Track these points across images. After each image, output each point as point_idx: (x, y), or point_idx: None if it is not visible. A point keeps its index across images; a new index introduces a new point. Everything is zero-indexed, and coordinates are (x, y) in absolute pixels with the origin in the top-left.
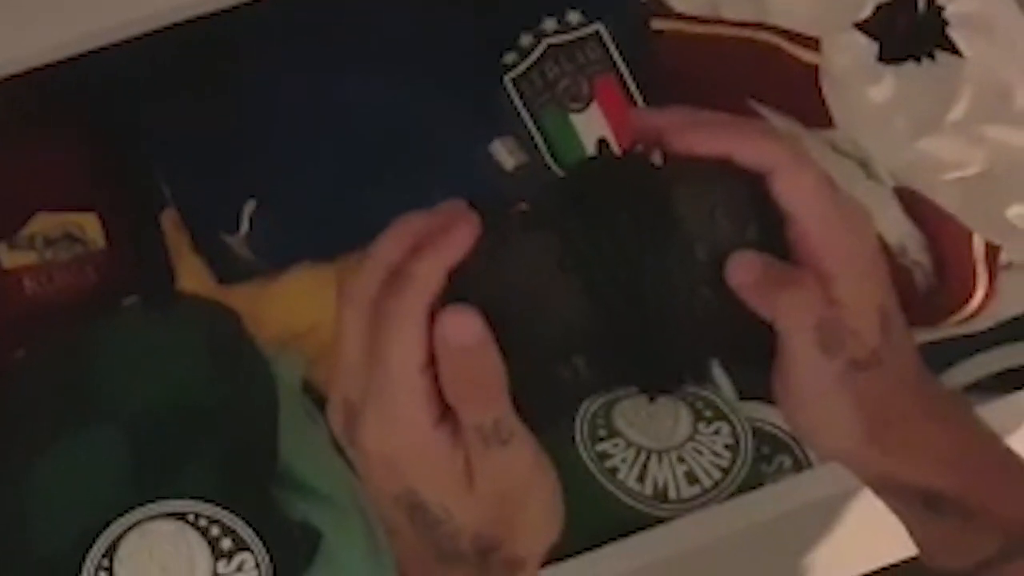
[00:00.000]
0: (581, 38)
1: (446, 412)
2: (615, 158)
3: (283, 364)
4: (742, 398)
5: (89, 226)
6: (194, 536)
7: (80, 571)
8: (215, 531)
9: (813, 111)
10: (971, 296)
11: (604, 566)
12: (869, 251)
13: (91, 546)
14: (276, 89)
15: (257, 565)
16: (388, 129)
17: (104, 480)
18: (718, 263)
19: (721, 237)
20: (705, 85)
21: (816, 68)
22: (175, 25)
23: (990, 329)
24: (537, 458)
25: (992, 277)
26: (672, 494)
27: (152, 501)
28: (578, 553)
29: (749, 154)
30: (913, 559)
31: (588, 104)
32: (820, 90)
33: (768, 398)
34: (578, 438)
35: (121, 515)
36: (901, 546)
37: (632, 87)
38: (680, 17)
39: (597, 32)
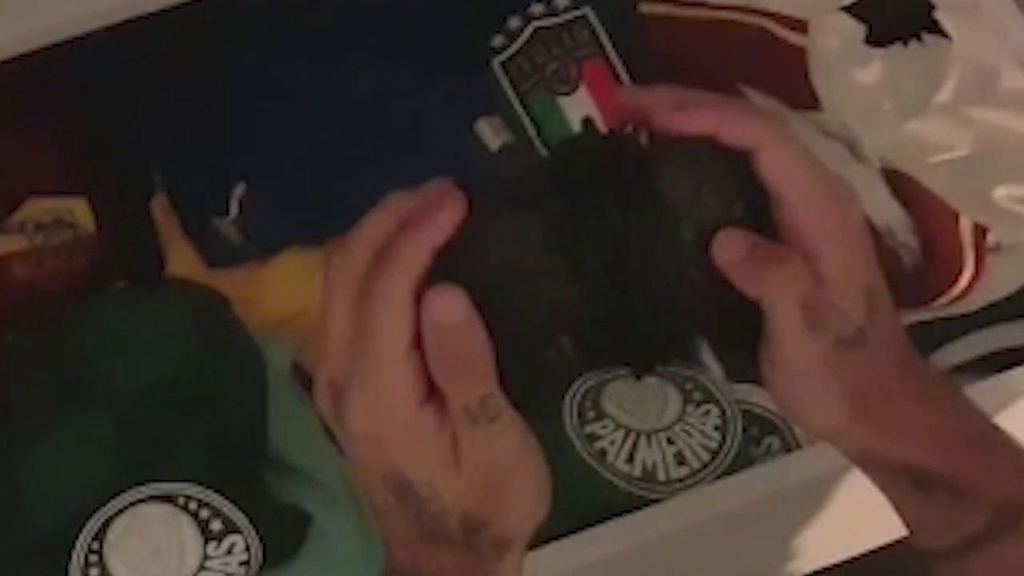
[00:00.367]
0: (569, 21)
1: (432, 392)
2: (600, 137)
3: (273, 348)
4: (731, 380)
5: (79, 211)
6: (184, 519)
7: (70, 554)
8: (205, 514)
9: (800, 93)
10: (958, 277)
11: (593, 547)
12: (855, 229)
13: (81, 529)
14: (265, 73)
15: (247, 548)
16: (377, 112)
17: (94, 463)
18: (704, 242)
19: (707, 215)
20: (693, 68)
21: (804, 51)
22: (165, 10)
23: (978, 310)
24: (524, 438)
25: (979, 258)
26: (661, 475)
27: (142, 484)
28: (567, 534)
29: (735, 132)
30: (903, 539)
31: (576, 87)
32: (807, 72)
33: (757, 379)
34: (567, 419)
35: (111, 498)
36: (891, 526)
37: (620, 70)
38: (668, 0)
39: (585, 15)
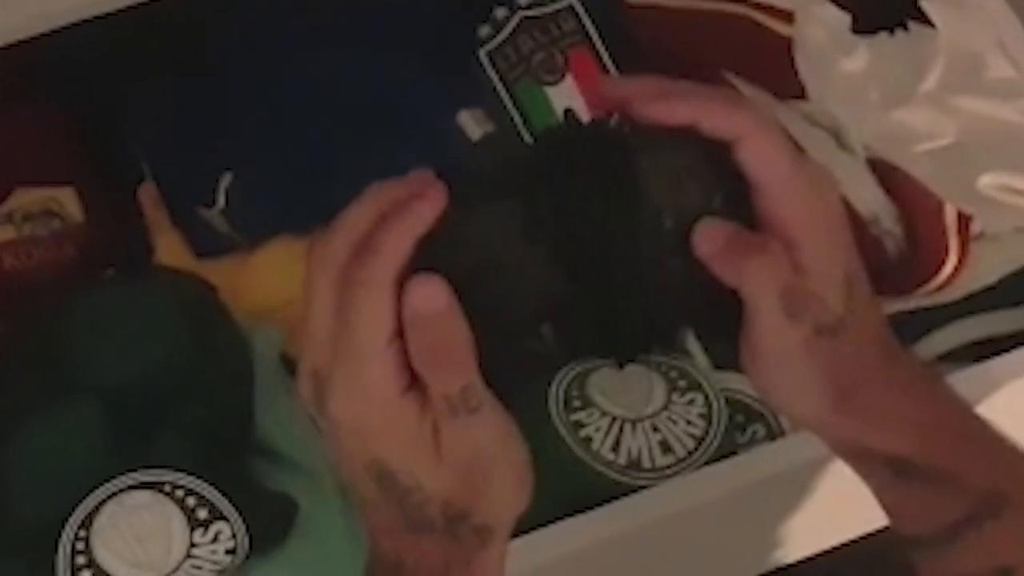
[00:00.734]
0: (556, 11)
1: (414, 381)
2: (582, 127)
3: (260, 337)
4: (716, 368)
5: (68, 201)
6: (171, 506)
7: (57, 542)
8: (191, 501)
9: (787, 83)
10: (942, 266)
11: (578, 534)
12: (834, 218)
13: (68, 517)
14: (252, 64)
15: (233, 535)
16: (363, 102)
17: (82, 451)
18: (685, 231)
19: (688, 205)
20: (679, 57)
21: (790, 40)
22: (153, 0)
23: (963, 299)
24: (505, 427)
25: (964, 247)
26: (646, 463)
27: (129, 472)
28: (552, 522)
29: (715, 122)
30: (886, 528)
31: (563, 77)
32: (793, 62)
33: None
34: (552, 408)
35: (98, 486)
36: (876, 514)
37: (607, 60)
38: None
39: (571, 5)
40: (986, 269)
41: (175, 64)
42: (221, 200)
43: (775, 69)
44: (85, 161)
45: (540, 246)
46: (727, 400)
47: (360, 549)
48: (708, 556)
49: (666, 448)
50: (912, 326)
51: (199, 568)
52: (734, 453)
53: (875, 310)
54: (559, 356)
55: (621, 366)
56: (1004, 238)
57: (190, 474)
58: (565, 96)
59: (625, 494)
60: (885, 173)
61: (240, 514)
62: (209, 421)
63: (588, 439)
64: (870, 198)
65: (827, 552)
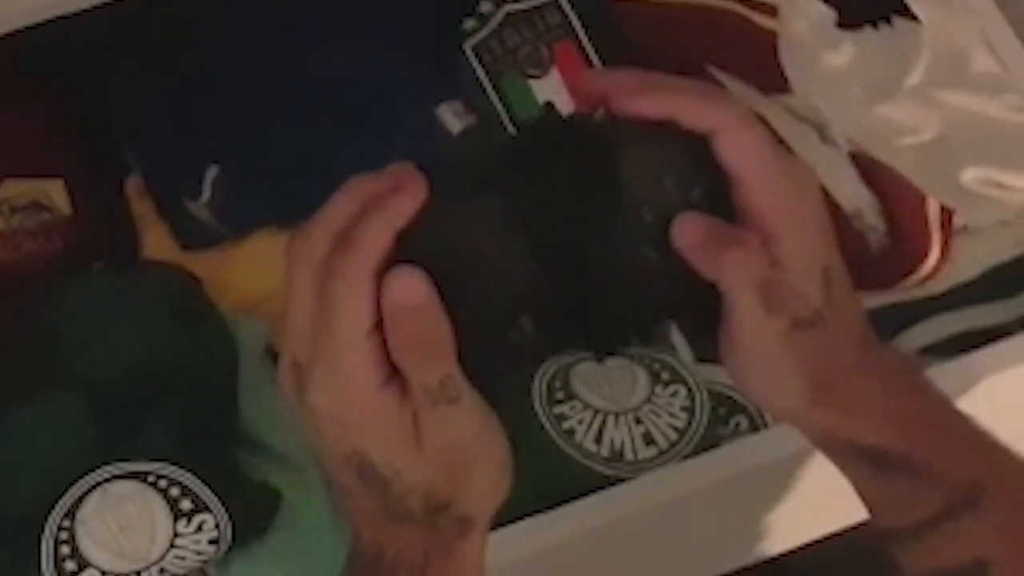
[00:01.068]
0: (541, 5)
1: (394, 373)
2: (562, 121)
3: (245, 329)
4: (700, 361)
5: (55, 193)
6: (154, 497)
7: (42, 533)
8: (175, 492)
9: (771, 77)
10: (925, 259)
11: (561, 526)
12: (813, 211)
13: (52, 507)
14: (237, 56)
15: (217, 525)
16: (349, 95)
17: (66, 442)
18: (665, 225)
19: (667, 199)
20: (664, 51)
21: (774, 34)
22: None
23: (946, 293)
24: (485, 418)
25: (946, 241)
26: (629, 455)
27: (113, 462)
28: (535, 513)
29: (693, 116)
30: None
31: (548, 71)
32: (778, 56)
33: None
34: (536, 400)
35: (82, 476)
36: (858, 506)
37: (592, 54)
38: None
39: None
40: (968, 263)
41: (162, 58)
42: (207, 192)
43: (759, 63)
44: (73, 154)
45: (520, 239)
46: (710, 393)
47: (343, 538)
48: (691, 548)
49: (649, 440)
50: (894, 319)
51: (182, 558)
52: (717, 445)
53: (854, 303)
54: (541, 349)
55: (600, 359)
56: (987, 232)
57: (174, 464)
58: (550, 90)
59: (608, 486)
60: (868, 167)
61: (224, 505)
62: (194, 412)
63: (571, 431)
64: (853, 192)
65: (810, 544)
